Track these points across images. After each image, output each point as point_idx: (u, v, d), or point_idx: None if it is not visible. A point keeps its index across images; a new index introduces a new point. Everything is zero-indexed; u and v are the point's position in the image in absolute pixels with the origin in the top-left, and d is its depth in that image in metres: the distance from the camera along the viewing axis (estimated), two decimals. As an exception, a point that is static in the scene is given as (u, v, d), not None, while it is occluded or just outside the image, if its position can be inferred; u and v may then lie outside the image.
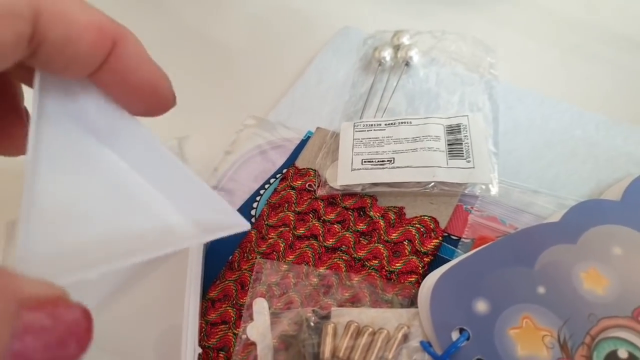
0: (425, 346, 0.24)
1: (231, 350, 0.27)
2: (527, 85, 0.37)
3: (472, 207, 0.30)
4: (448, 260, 0.28)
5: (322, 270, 0.28)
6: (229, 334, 0.28)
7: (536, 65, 0.39)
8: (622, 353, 0.22)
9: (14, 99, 0.21)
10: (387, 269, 0.28)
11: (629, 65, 0.37)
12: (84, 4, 0.17)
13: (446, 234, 0.29)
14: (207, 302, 0.29)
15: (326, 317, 0.26)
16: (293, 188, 0.33)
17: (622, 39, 0.39)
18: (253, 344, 0.26)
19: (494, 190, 0.29)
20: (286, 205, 0.32)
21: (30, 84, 0.19)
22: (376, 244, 0.29)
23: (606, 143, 0.32)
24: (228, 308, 0.29)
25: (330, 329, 0.25)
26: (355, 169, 0.32)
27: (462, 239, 0.29)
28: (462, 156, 0.31)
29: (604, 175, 0.30)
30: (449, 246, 0.29)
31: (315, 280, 0.28)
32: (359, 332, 0.25)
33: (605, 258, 0.24)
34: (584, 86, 0.37)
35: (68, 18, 0.17)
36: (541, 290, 0.24)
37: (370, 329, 0.25)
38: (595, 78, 0.37)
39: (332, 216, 0.31)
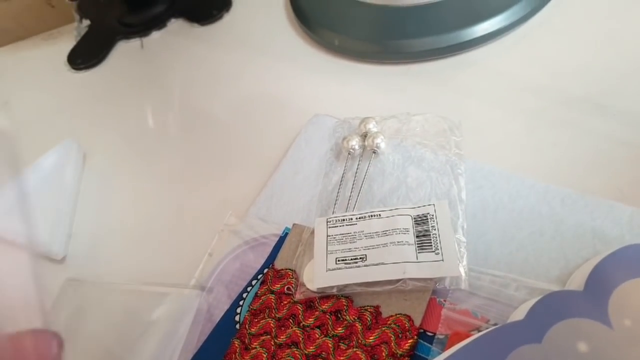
0: None
1: None
2: (494, 157, 0.38)
3: (444, 300, 0.31)
4: (425, 359, 0.28)
5: (302, 383, 0.29)
6: None
7: (502, 135, 0.40)
8: None
9: None
10: (365, 375, 0.28)
11: (591, 127, 0.38)
12: None
13: (422, 330, 0.30)
14: (196, 422, 0.30)
15: None
16: (272, 292, 0.34)
17: (583, 100, 0.40)
18: None
19: (464, 284, 0.30)
20: (267, 312, 0.33)
21: None
22: (354, 349, 0.30)
23: (572, 219, 0.32)
24: None
25: None
26: (329, 269, 0.33)
27: (437, 336, 0.29)
28: (431, 249, 0.32)
29: (571, 255, 0.31)
30: (425, 343, 0.29)
31: (296, 393, 0.29)
32: None
33: (571, 355, 0.25)
34: (549, 154, 0.38)
35: None
36: (509, 397, 0.24)
37: None
38: (560, 144, 0.38)
39: (311, 321, 0.32)
